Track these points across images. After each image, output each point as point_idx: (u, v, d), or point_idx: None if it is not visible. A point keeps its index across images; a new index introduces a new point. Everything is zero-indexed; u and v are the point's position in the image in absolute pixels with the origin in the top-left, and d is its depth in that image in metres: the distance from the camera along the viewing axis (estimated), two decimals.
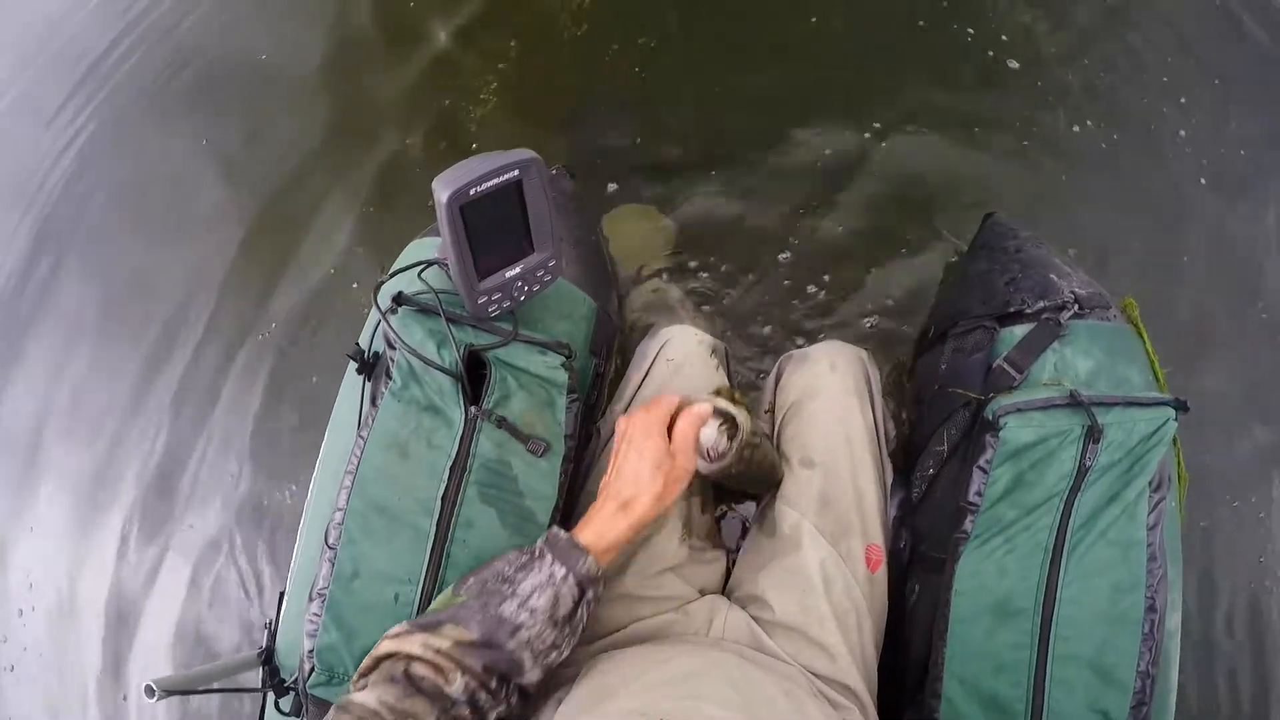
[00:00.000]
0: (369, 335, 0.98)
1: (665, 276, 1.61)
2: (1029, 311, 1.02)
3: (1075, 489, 0.85)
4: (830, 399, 1.03)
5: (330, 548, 0.83)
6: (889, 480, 1.07)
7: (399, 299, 0.89)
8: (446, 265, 0.89)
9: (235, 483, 1.74)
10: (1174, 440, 0.92)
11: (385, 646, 0.71)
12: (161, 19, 2.23)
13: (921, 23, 1.90)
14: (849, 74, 1.85)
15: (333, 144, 1.98)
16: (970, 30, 1.88)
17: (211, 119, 2.08)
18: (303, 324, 1.81)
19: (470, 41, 2.00)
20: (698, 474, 0.86)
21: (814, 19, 1.88)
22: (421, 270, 0.93)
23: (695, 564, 1.00)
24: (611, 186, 1.73)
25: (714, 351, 1.09)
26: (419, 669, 0.69)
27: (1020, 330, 1.00)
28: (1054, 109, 1.82)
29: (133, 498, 1.78)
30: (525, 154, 0.80)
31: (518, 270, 0.88)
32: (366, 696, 0.66)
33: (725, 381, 1.09)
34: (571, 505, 0.99)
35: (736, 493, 1.32)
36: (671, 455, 0.82)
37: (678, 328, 1.11)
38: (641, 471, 0.80)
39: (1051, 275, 1.05)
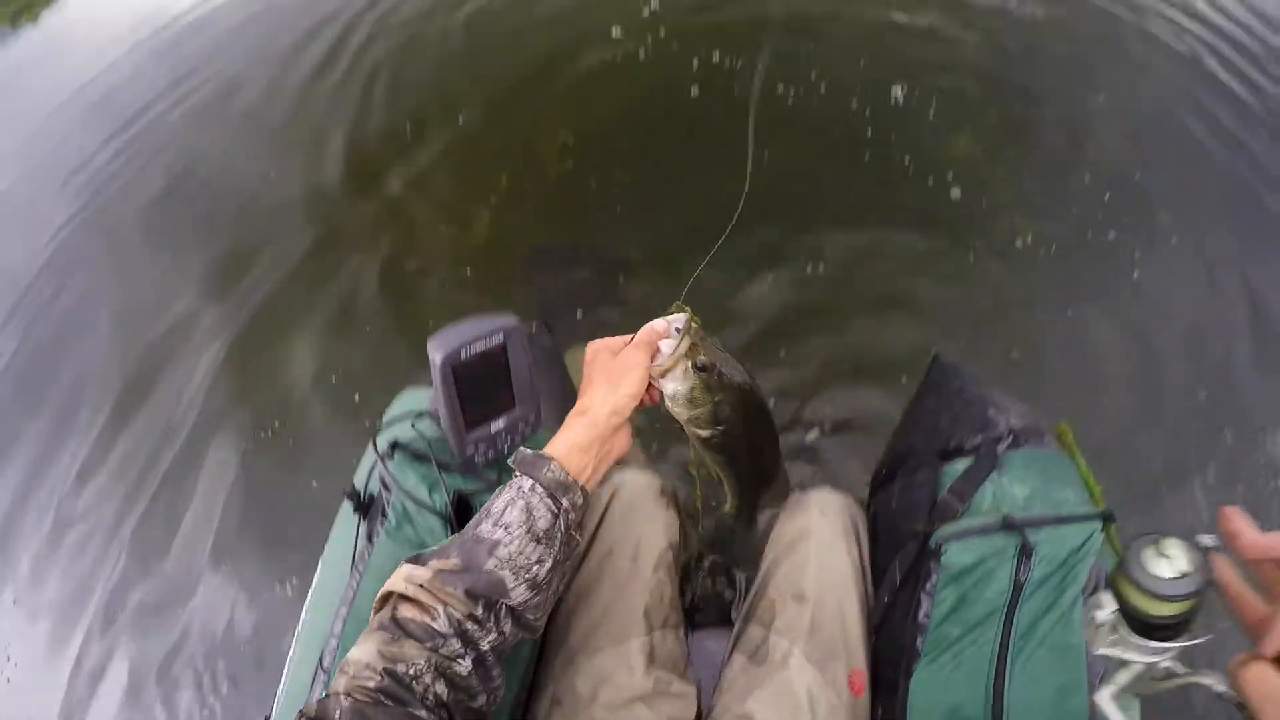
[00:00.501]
0: (364, 477, 1.08)
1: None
2: (968, 447, 1.12)
3: (1014, 603, 0.93)
4: (821, 540, 1.13)
5: (324, 670, 0.91)
6: (877, 616, 1.13)
7: (395, 445, 1.00)
8: (437, 416, 1.02)
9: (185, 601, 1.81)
10: (1112, 543, 1.00)
11: (381, 590, 0.75)
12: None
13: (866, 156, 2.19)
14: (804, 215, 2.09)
15: (308, 267, 2.26)
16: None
17: (194, 237, 2.38)
18: (272, 447, 1.98)
19: (424, 191, 2.35)
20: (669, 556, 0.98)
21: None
22: (415, 420, 1.06)
23: (662, 695, 1.05)
24: (579, 314, 1.93)
25: (663, 492, 1.20)
26: (405, 610, 0.71)
27: (962, 464, 1.10)
28: (995, 229, 2.03)
29: (91, 618, 1.85)
30: (509, 321, 0.94)
31: (502, 423, 1.01)
32: (360, 650, 0.69)
33: (677, 520, 1.19)
34: (548, 634, 1.06)
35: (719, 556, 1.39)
36: (629, 366, 0.87)
37: (629, 472, 1.21)
38: (600, 386, 0.87)
39: (989, 411, 1.16)
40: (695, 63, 2.57)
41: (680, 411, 0.92)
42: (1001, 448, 1.09)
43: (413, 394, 1.23)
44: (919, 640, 0.97)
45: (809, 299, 1.99)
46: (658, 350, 0.89)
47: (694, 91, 2.50)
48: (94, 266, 2.58)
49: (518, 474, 0.81)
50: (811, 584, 1.08)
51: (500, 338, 0.94)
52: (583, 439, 0.84)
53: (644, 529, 1.13)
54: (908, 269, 2.02)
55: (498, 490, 0.81)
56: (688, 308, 0.91)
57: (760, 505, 1.18)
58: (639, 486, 1.19)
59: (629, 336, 0.90)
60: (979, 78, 2.46)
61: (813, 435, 1.76)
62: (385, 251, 2.29)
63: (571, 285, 2.05)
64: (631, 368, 0.86)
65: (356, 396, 2.05)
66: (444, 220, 2.35)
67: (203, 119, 2.98)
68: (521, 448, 0.84)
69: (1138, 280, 1.99)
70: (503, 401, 1.00)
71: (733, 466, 1.05)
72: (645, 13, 2.76)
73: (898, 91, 2.36)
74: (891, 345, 1.88)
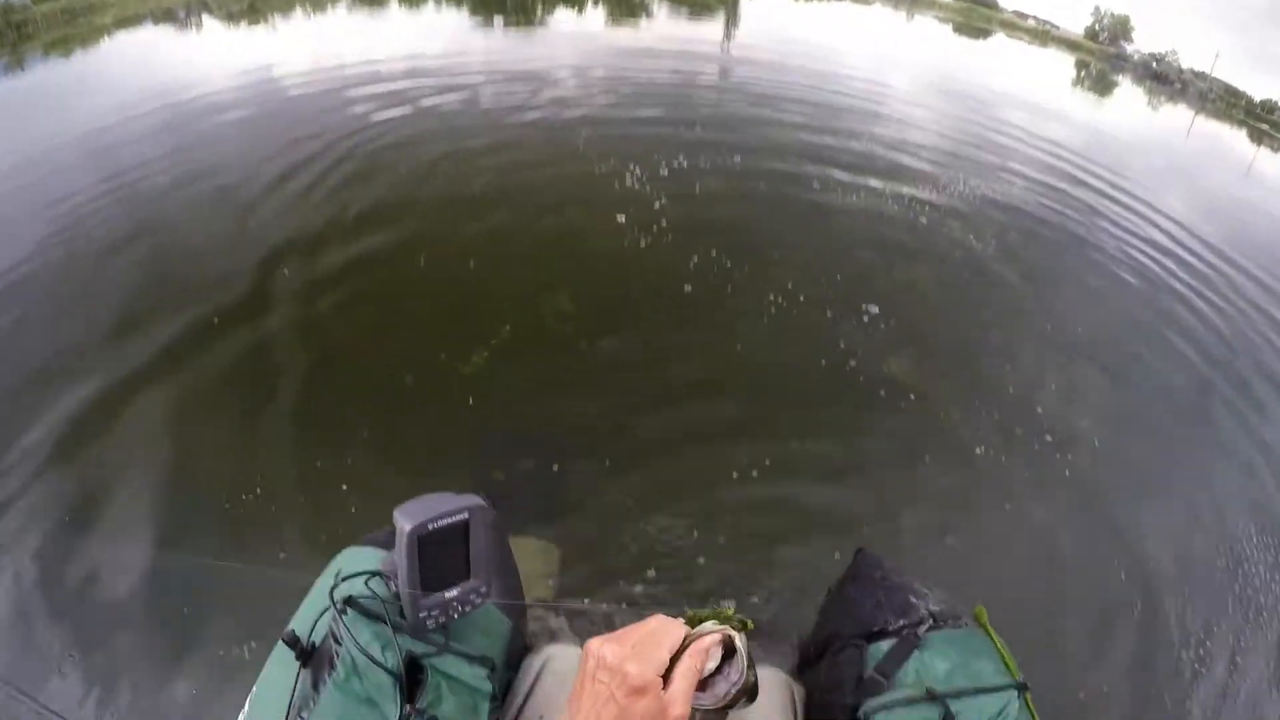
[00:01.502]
0: (306, 625, 1.11)
1: (548, 603, 1.80)
2: (891, 629, 1.21)
3: None
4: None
5: None
6: None
7: (350, 602, 1.06)
8: (390, 578, 1.09)
9: None
10: (1029, 710, 1.06)
11: None
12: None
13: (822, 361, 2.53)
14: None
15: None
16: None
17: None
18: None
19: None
20: None
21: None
22: (369, 579, 1.12)
23: None
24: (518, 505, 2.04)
25: None
26: None
27: (885, 644, 1.19)
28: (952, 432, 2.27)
29: None
30: (475, 500, 1.06)
31: (456, 592, 1.08)
32: None
33: None
34: None
35: None
36: (665, 706, 0.76)
37: (560, 645, 1.29)
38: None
39: (910, 597, 1.27)
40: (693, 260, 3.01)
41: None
42: (923, 629, 1.18)
43: (358, 552, 1.29)
44: None
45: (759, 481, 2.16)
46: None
47: (687, 289, 2.90)
48: (45, 296, 2.81)
49: None
50: None
51: (465, 515, 1.05)
52: None
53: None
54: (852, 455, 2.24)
55: None
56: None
57: None
58: (569, 657, 1.25)
59: (629, 634, 0.83)
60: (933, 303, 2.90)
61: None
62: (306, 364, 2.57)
63: (525, 470, 2.19)
64: (641, 689, 0.76)
65: (274, 507, 2.13)
66: (443, 350, 2.61)
67: (183, 190, 3.41)
68: None
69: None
70: (459, 572, 1.09)
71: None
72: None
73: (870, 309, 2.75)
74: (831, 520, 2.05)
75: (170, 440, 2.38)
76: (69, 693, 1.80)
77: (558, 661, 1.25)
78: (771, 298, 2.94)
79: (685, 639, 0.84)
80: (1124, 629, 1.91)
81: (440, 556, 1.06)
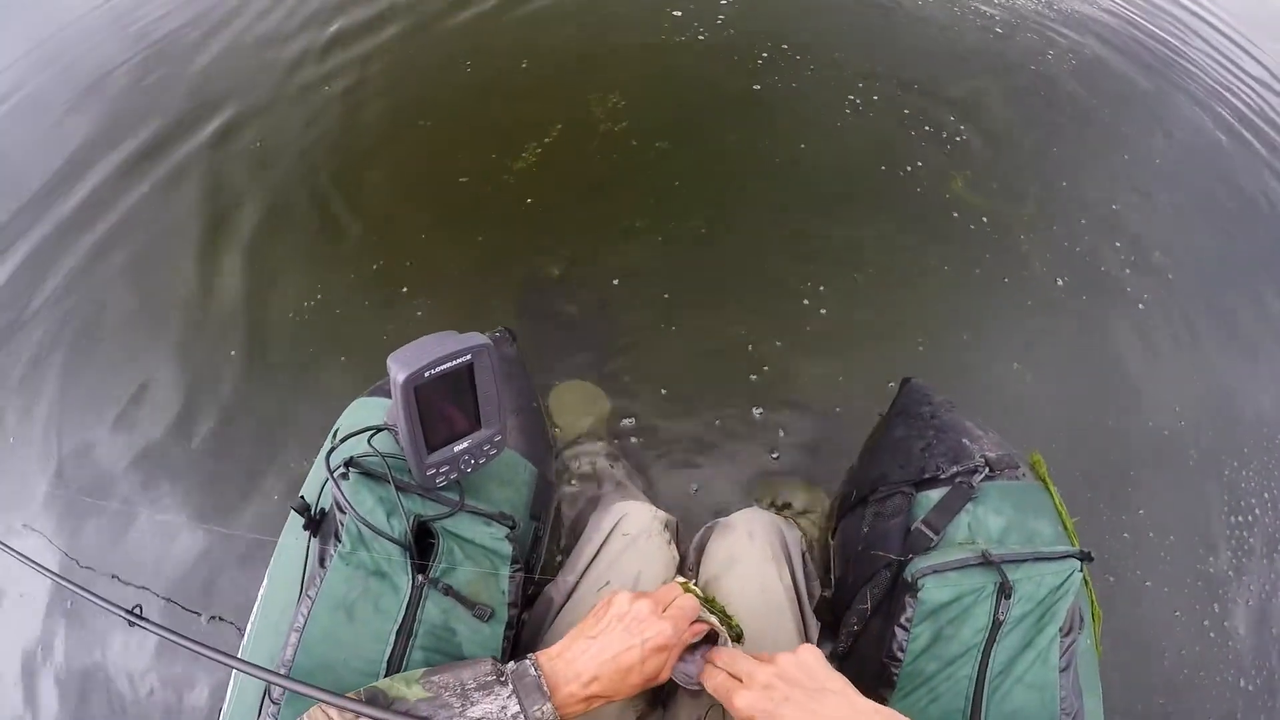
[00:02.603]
0: (314, 490, 1.04)
1: (603, 449, 1.71)
2: (943, 476, 1.12)
3: (991, 640, 0.93)
4: (750, 566, 1.12)
5: (274, 703, 0.86)
6: (814, 636, 1.13)
7: (350, 464, 0.95)
8: (395, 430, 0.97)
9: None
10: (1085, 582, 1.00)
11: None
12: None
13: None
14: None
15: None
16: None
17: None
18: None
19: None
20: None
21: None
22: (371, 435, 1.01)
23: None
24: (565, 357, 1.90)
25: (666, 526, 1.18)
26: None
27: (936, 494, 1.10)
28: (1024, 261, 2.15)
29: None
30: (478, 339, 0.90)
31: (465, 445, 0.96)
32: None
33: (676, 559, 1.16)
34: None
35: None
36: (659, 647, 0.84)
37: (633, 503, 1.20)
38: (628, 675, 0.83)
39: (964, 440, 1.17)
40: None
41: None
42: (978, 479, 1.09)
43: (365, 404, 1.18)
44: (892, 673, 0.96)
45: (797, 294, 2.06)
46: (686, 648, 0.91)
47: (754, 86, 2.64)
48: None
49: (510, 688, 0.78)
50: (743, 615, 1.05)
51: (468, 358, 0.90)
52: (582, 692, 0.81)
53: (644, 565, 1.11)
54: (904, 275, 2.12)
55: (487, 679, 0.78)
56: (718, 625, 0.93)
57: None
58: (642, 519, 1.16)
59: (683, 634, 0.88)
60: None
61: (778, 438, 1.78)
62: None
63: (573, 296, 2.05)
64: (661, 648, 0.85)
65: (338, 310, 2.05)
66: (494, 150, 2.40)
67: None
68: (527, 660, 0.83)
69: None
70: (467, 422, 0.96)
71: None
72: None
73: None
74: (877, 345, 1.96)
75: (224, 253, 2.23)
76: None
77: (630, 522, 1.16)
78: (849, 99, 2.60)
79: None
80: (1192, 487, 1.82)
81: (444, 406, 0.93)
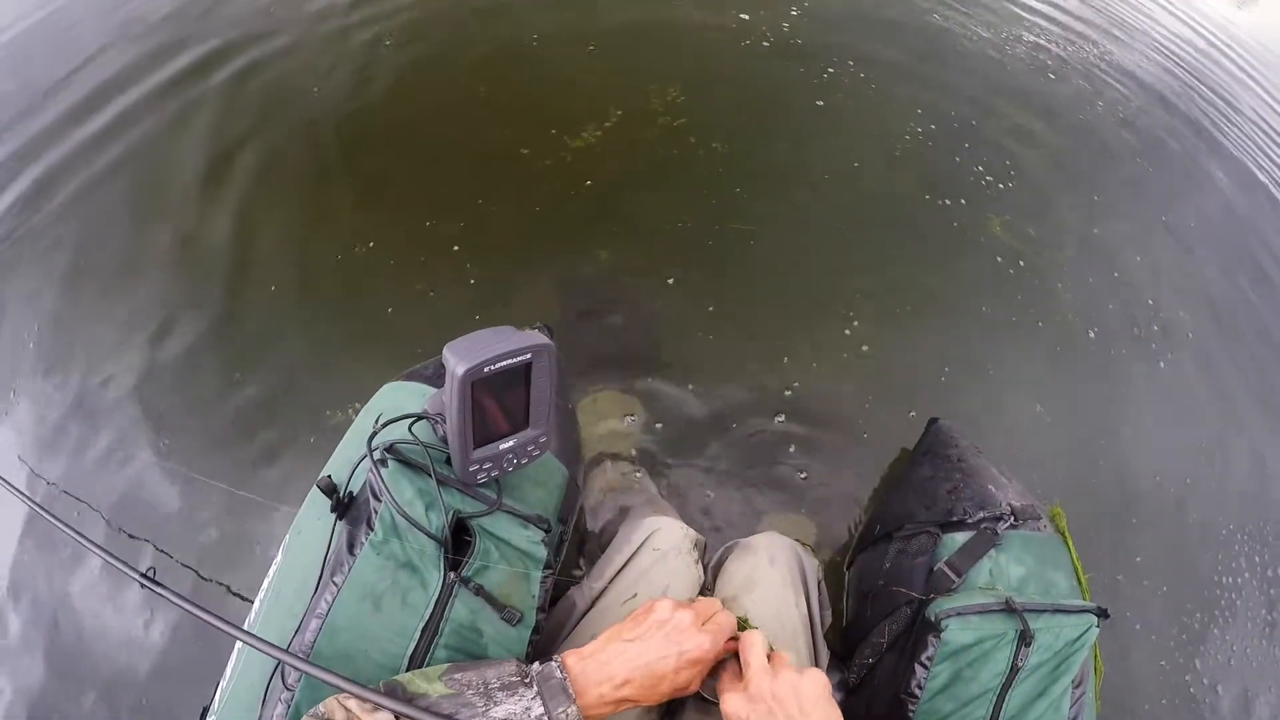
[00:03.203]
0: (342, 470, 1.01)
1: (635, 463, 1.71)
2: (970, 521, 1.14)
3: (1007, 685, 0.95)
4: (769, 591, 1.12)
5: (289, 689, 0.84)
6: (824, 664, 1.14)
7: (391, 451, 0.93)
8: (436, 420, 0.95)
9: None
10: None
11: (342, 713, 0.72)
12: None
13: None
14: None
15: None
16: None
17: None
18: None
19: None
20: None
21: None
22: (413, 423, 0.99)
23: None
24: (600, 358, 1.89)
25: (696, 545, 1.18)
26: None
27: (961, 537, 1.12)
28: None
29: None
30: (540, 339, 0.88)
31: (511, 443, 0.95)
32: None
33: (702, 574, 1.16)
34: None
35: None
36: (695, 660, 0.85)
37: (665, 519, 1.19)
38: (660, 682, 0.83)
39: (990, 486, 1.19)
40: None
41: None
42: (1002, 527, 1.11)
43: (402, 389, 1.16)
44: (909, 709, 0.98)
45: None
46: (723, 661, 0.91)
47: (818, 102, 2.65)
48: None
49: (535, 690, 0.77)
50: None
51: (528, 356, 0.88)
52: (614, 694, 0.81)
53: (671, 581, 1.11)
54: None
55: (511, 679, 0.78)
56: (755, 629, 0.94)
57: None
58: (673, 536, 1.16)
59: (718, 650, 0.89)
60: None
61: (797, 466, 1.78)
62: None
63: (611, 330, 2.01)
64: (697, 661, 0.85)
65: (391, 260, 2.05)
66: (554, 126, 2.41)
67: None
68: (553, 662, 0.82)
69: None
70: (515, 421, 0.95)
71: None
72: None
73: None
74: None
75: (277, 198, 2.21)
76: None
77: (661, 537, 1.15)
78: (909, 126, 2.63)
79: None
80: (1203, 558, 1.85)
81: (496, 403, 0.91)
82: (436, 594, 0.89)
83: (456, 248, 2.05)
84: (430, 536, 0.90)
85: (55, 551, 1.65)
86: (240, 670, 0.95)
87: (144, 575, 0.89)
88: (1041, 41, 3.29)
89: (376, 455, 0.93)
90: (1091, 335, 2.16)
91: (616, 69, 2.63)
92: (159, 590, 0.88)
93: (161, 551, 1.62)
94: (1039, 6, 3.55)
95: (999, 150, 2.62)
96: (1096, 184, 2.68)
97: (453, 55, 2.65)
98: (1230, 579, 1.81)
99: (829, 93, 2.66)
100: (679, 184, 2.30)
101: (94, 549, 0.94)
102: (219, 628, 0.80)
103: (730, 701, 0.82)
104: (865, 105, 2.66)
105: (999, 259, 2.28)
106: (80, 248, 2.10)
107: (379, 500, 0.91)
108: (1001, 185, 2.50)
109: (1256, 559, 1.86)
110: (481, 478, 0.95)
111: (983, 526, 1.12)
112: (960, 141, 2.61)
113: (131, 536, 1.64)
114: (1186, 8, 4.19)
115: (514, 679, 0.78)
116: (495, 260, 2.04)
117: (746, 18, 2.89)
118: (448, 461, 0.96)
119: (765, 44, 2.80)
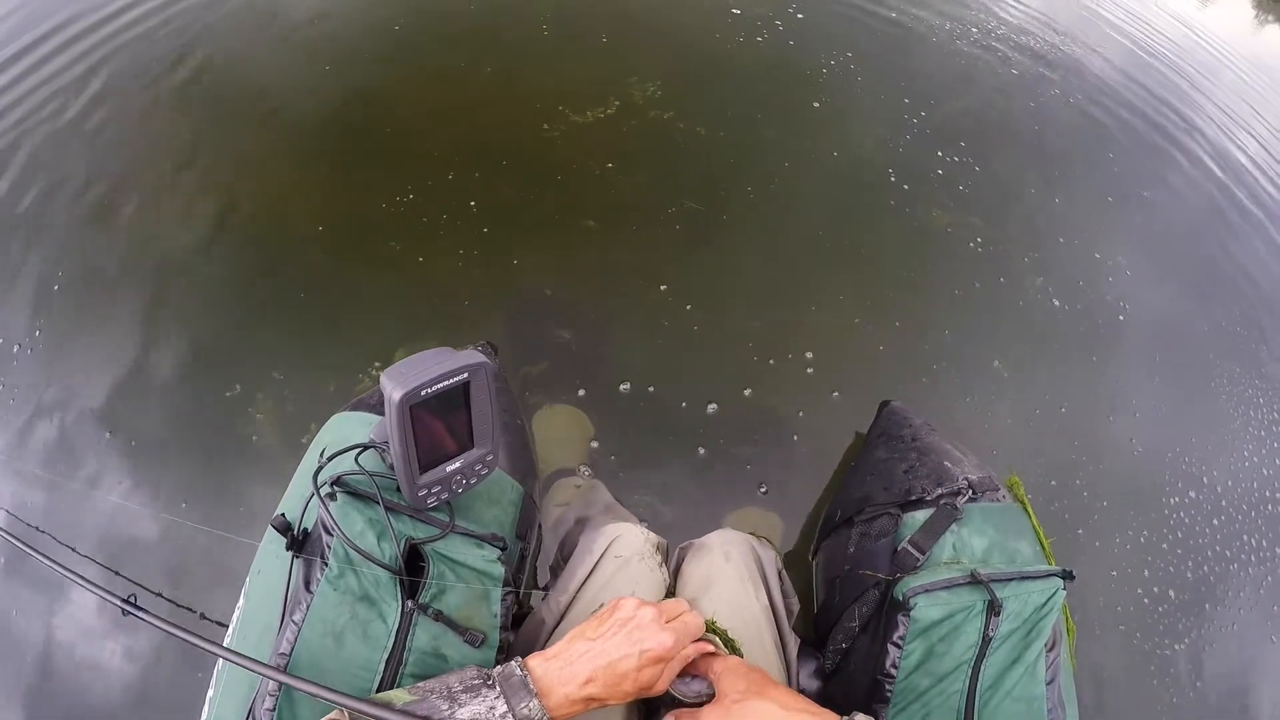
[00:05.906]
0: (294, 507, 1.01)
1: (589, 473, 1.71)
2: (928, 498, 1.16)
3: (981, 656, 0.97)
4: (725, 588, 1.13)
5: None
6: (794, 653, 1.15)
7: (338, 483, 0.93)
8: (383, 449, 0.96)
9: None
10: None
11: None
12: None
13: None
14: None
15: None
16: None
17: None
18: None
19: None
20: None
21: None
22: (359, 454, 1.00)
23: None
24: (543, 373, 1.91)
25: (658, 549, 1.19)
26: None
27: (921, 515, 1.14)
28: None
29: None
30: (475, 358, 0.90)
31: (458, 465, 0.96)
32: None
33: (666, 582, 1.17)
34: None
35: None
36: (659, 657, 0.85)
37: (625, 525, 1.20)
38: (623, 681, 0.83)
39: (945, 463, 1.21)
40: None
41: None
42: (961, 501, 1.13)
43: (347, 419, 1.16)
44: (886, 689, 0.99)
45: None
46: (688, 664, 0.91)
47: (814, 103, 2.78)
48: None
49: (498, 690, 0.77)
50: None
51: (464, 376, 0.90)
52: (579, 694, 0.81)
53: (636, 587, 1.11)
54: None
55: (474, 683, 0.77)
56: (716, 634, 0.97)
57: None
58: (634, 541, 1.17)
59: (688, 649, 0.90)
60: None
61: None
62: None
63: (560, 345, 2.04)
64: (659, 659, 0.85)
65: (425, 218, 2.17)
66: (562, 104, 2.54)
67: None
68: (513, 663, 0.81)
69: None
70: (460, 441, 0.96)
71: None
72: None
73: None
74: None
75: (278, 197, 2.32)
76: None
77: (622, 545, 1.16)
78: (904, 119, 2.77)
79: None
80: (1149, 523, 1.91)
81: (439, 425, 0.93)
82: (396, 624, 0.89)
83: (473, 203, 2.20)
84: (384, 566, 0.90)
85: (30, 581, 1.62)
86: (217, 716, 0.95)
87: (126, 601, 0.89)
88: (1006, 33, 3.43)
89: (325, 490, 0.93)
90: (1047, 312, 2.23)
91: (619, 56, 2.79)
92: (143, 616, 0.87)
93: (132, 582, 1.58)
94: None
95: (967, 141, 2.74)
96: (1055, 184, 2.77)
97: (472, 41, 2.79)
98: (1193, 559, 1.88)
99: (824, 93, 2.79)
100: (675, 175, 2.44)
101: (74, 578, 0.94)
102: (205, 649, 0.79)
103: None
104: (856, 102, 2.79)
105: (952, 242, 2.36)
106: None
107: (329, 534, 0.92)
108: (961, 184, 2.59)
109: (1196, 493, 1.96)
110: (432, 502, 0.96)
111: (942, 502, 1.14)
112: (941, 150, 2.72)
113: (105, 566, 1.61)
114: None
115: (476, 681, 0.78)
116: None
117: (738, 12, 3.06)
118: (398, 489, 0.96)
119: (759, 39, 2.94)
